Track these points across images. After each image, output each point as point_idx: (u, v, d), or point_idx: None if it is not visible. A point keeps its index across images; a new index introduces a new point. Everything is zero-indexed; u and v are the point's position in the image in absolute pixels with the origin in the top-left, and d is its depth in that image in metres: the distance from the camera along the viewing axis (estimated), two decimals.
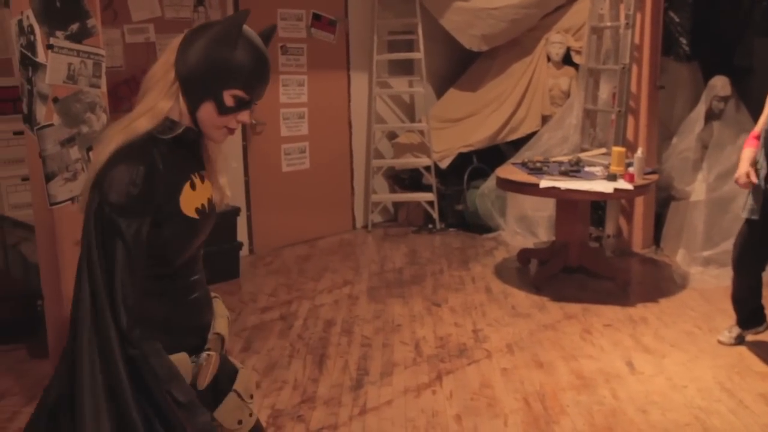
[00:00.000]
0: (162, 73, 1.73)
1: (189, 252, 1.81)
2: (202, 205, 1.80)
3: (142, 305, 1.65)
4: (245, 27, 1.73)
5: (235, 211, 5.66)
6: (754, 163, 3.93)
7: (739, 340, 4.22)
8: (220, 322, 1.95)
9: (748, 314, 4.22)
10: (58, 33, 2.85)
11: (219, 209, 1.92)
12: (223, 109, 1.73)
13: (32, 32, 2.80)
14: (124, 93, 5.37)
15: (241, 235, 5.97)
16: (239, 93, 1.72)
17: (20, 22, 2.85)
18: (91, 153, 3.02)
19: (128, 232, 1.62)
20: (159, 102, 1.72)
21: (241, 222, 5.95)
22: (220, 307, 2.00)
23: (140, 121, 1.71)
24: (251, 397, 1.96)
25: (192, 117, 1.75)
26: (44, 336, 3.58)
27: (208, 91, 1.71)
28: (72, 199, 2.97)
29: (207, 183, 1.86)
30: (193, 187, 1.78)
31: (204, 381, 1.81)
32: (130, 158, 1.66)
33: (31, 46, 2.83)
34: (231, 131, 1.79)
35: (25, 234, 4.40)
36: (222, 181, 1.91)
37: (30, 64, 2.86)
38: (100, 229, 1.61)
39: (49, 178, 2.93)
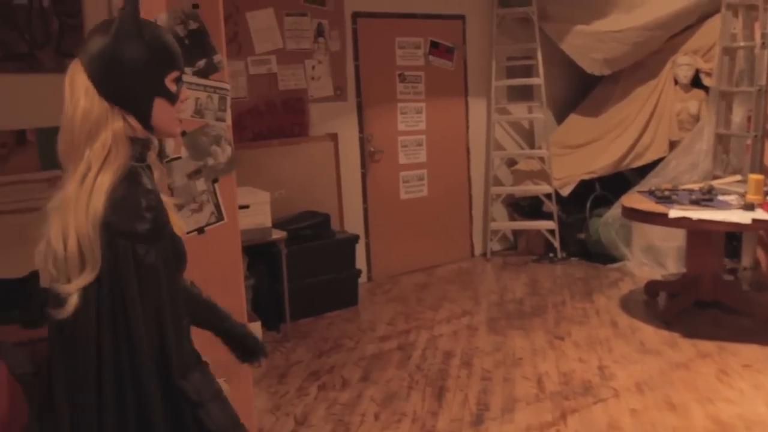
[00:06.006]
0: (86, 112, 1.56)
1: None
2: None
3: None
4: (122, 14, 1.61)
5: (354, 239, 5.69)
6: None
7: None
8: None
9: None
10: (187, 69, 2.93)
11: None
12: (173, 98, 1.65)
13: None
14: (247, 123, 5.53)
15: (360, 262, 5.99)
16: (175, 73, 1.64)
17: None
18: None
19: (159, 261, 1.54)
20: (114, 131, 1.57)
21: (360, 249, 5.98)
22: None
23: (114, 161, 1.56)
24: None
25: (146, 126, 1.64)
26: None
27: (152, 90, 1.61)
28: (198, 230, 3.03)
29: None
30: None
31: None
32: (130, 187, 1.56)
33: None
34: (179, 119, 1.72)
35: None
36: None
37: None
38: (128, 269, 1.51)
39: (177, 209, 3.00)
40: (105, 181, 1.52)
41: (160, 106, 1.63)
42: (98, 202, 1.51)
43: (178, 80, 1.66)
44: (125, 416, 1.53)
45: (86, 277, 1.50)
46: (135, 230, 1.52)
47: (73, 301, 1.51)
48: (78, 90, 1.56)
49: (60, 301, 1.52)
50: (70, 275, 1.51)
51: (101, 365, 1.52)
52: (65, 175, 1.57)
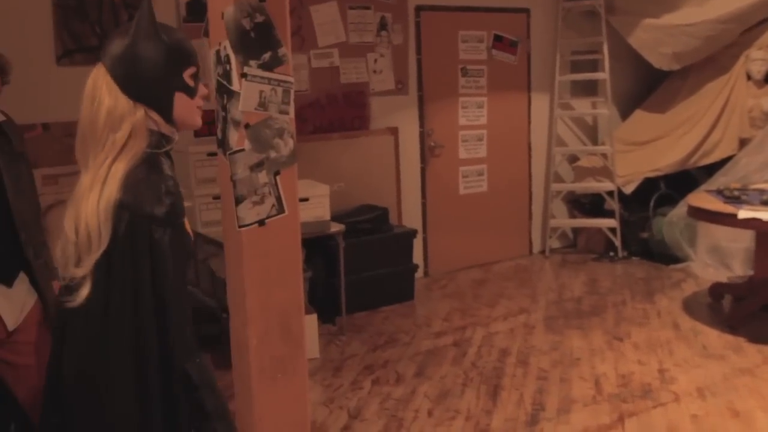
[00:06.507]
0: (110, 110, 1.64)
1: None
2: None
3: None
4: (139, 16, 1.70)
5: (412, 233, 5.68)
6: None
7: None
8: None
9: None
10: (252, 62, 2.94)
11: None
12: (191, 92, 1.75)
13: (228, 62, 2.92)
14: (308, 116, 5.56)
15: (417, 256, 5.98)
16: (192, 69, 1.75)
17: (218, 52, 2.98)
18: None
19: (171, 246, 1.61)
20: (135, 123, 1.65)
21: (418, 244, 5.97)
22: None
23: (130, 149, 1.63)
24: None
25: (168, 120, 1.75)
26: (227, 347, 3.71)
27: (172, 85, 1.71)
28: (259, 222, 3.06)
29: None
30: None
31: None
32: (151, 171, 1.65)
33: (226, 75, 2.95)
34: (200, 111, 1.82)
35: (214, 250, 4.63)
36: None
37: (225, 92, 2.99)
38: (144, 249, 1.58)
39: (238, 200, 3.03)
40: (120, 168, 1.61)
41: (180, 100, 1.74)
42: (113, 187, 1.59)
43: (195, 76, 1.76)
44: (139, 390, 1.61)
45: (93, 256, 1.57)
46: (153, 212, 1.60)
47: (86, 288, 1.57)
48: (101, 90, 1.65)
49: (72, 288, 1.59)
50: (82, 258, 1.58)
51: (114, 349, 1.58)
52: (83, 169, 1.66)
